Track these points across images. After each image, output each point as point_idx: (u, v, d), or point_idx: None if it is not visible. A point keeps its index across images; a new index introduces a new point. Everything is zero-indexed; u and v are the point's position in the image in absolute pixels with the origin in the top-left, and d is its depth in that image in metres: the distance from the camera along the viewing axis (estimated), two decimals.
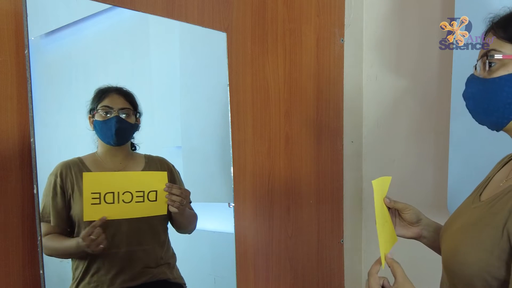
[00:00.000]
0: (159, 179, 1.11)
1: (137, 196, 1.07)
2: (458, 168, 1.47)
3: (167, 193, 1.11)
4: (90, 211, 1.01)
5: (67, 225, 1.04)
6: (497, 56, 0.76)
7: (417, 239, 1.01)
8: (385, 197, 0.97)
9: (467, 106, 0.84)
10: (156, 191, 1.10)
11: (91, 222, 1.02)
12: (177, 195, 1.12)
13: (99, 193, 1.02)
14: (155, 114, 1.28)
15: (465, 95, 0.84)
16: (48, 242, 0.99)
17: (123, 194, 1.05)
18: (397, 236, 1.01)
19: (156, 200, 1.10)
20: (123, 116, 1.10)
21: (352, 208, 1.90)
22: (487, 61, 0.78)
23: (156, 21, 1.22)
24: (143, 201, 1.08)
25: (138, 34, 1.26)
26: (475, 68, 0.83)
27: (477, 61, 0.82)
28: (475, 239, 0.74)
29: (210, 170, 1.42)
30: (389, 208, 0.99)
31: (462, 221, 0.82)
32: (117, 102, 1.10)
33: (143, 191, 1.09)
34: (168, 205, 1.12)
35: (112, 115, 1.09)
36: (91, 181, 1.02)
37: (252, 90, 1.47)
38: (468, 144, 1.45)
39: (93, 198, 1.01)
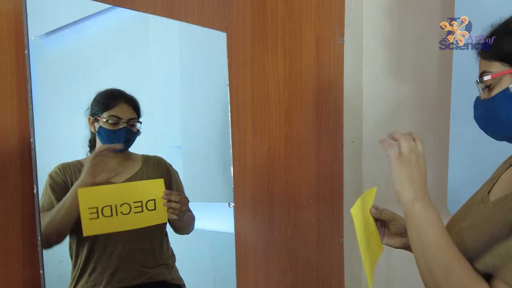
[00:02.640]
0: (157, 186, 1.09)
1: (135, 207, 1.05)
2: (458, 168, 1.47)
3: (166, 200, 1.10)
4: (89, 226, 1.00)
5: None
6: (486, 77, 0.79)
7: (405, 249, 1.01)
8: (371, 208, 0.97)
9: (480, 127, 0.87)
10: (154, 199, 1.08)
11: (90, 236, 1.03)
12: (176, 202, 1.10)
13: (96, 208, 1.00)
14: (155, 114, 1.28)
15: (475, 118, 0.87)
16: (46, 217, 0.97)
17: (121, 206, 1.03)
18: (385, 245, 1.01)
19: (155, 209, 1.08)
20: (130, 126, 1.12)
21: None
22: (479, 84, 0.81)
23: (156, 21, 1.23)
24: (142, 211, 1.06)
25: (138, 34, 1.26)
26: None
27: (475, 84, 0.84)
28: (486, 236, 0.74)
29: (210, 170, 1.42)
30: (376, 219, 0.99)
31: (471, 219, 0.82)
32: (126, 113, 1.11)
33: (141, 201, 1.07)
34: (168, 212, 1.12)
35: (121, 126, 1.10)
36: (87, 196, 1.00)
37: (252, 90, 1.47)
38: (468, 144, 1.45)
39: (90, 213, 1.00)
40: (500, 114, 0.79)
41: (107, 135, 1.09)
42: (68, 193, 1.01)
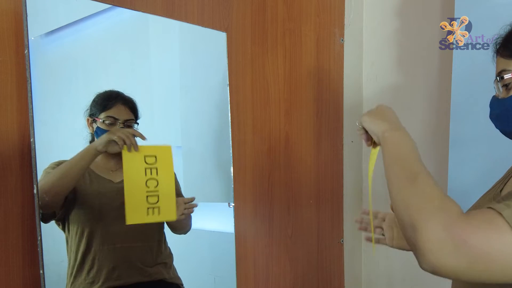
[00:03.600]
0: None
1: (152, 189, 1.09)
2: (458, 168, 1.47)
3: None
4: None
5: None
6: (507, 75, 0.78)
7: None
8: (383, 223, 0.97)
9: (496, 127, 0.86)
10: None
11: None
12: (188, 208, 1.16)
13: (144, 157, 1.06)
14: (155, 114, 1.28)
15: (491, 117, 0.86)
16: (54, 171, 1.00)
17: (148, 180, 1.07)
18: (396, 248, 1.01)
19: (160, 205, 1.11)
20: (127, 127, 1.12)
21: (352, 208, 1.90)
22: (498, 83, 0.80)
23: (156, 21, 1.22)
24: (155, 197, 1.10)
25: (138, 34, 1.26)
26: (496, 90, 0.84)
27: (494, 83, 0.83)
28: None
29: (210, 170, 1.42)
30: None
31: None
32: (122, 114, 1.11)
33: (158, 192, 1.10)
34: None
35: (117, 126, 1.10)
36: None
37: (252, 90, 1.47)
38: (468, 144, 1.45)
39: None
40: None
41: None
42: (80, 152, 1.04)
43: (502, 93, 0.81)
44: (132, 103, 1.14)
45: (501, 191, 0.84)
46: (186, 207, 1.17)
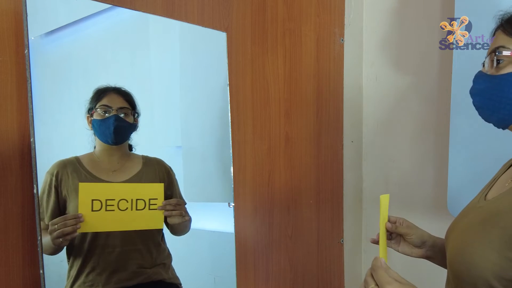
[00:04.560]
0: (156, 190, 1.12)
1: (129, 205, 1.07)
2: (458, 168, 1.47)
3: (163, 210, 1.12)
4: (91, 220, 1.01)
5: None
6: (506, 52, 0.76)
7: (424, 258, 1.00)
8: (386, 222, 0.96)
9: (473, 103, 0.83)
10: (157, 198, 1.11)
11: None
12: (174, 210, 1.12)
13: (100, 201, 1.02)
14: (155, 114, 1.28)
15: (472, 92, 0.84)
16: (43, 239, 0.98)
17: (119, 201, 1.05)
18: (402, 253, 1.00)
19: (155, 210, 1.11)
20: (121, 115, 1.11)
21: (352, 208, 1.90)
22: (495, 57, 0.77)
23: (156, 21, 1.23)
24: (144, 208, 1.09)
25: (138, 34, 1.26)
26: (483, 65, 0.82)
27: (486, 57, 0.81)
28: (482, 239, 0.73)
29: (210, 170, 1.42)
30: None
31: (468, 221, 0.81)
32: (116, 102, 1.11)
33: (144, 200, 1.09)
34: (166, 217, 1.13)
35: (111, 114, 1.09)
36: (88, 190, 1.02)
37: (252, 90, 1.47)
38: (468, 144, 1.45)
39: (94, 205, 1.02)
40: (507, 93, 0.76)
41: (98, 125, 1.09)
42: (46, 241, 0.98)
43: (491, 70, 0.79)
44: (126, 93, 1.13)
45: (485, 196, 0.84)
46: (167, 208, 1.13)
